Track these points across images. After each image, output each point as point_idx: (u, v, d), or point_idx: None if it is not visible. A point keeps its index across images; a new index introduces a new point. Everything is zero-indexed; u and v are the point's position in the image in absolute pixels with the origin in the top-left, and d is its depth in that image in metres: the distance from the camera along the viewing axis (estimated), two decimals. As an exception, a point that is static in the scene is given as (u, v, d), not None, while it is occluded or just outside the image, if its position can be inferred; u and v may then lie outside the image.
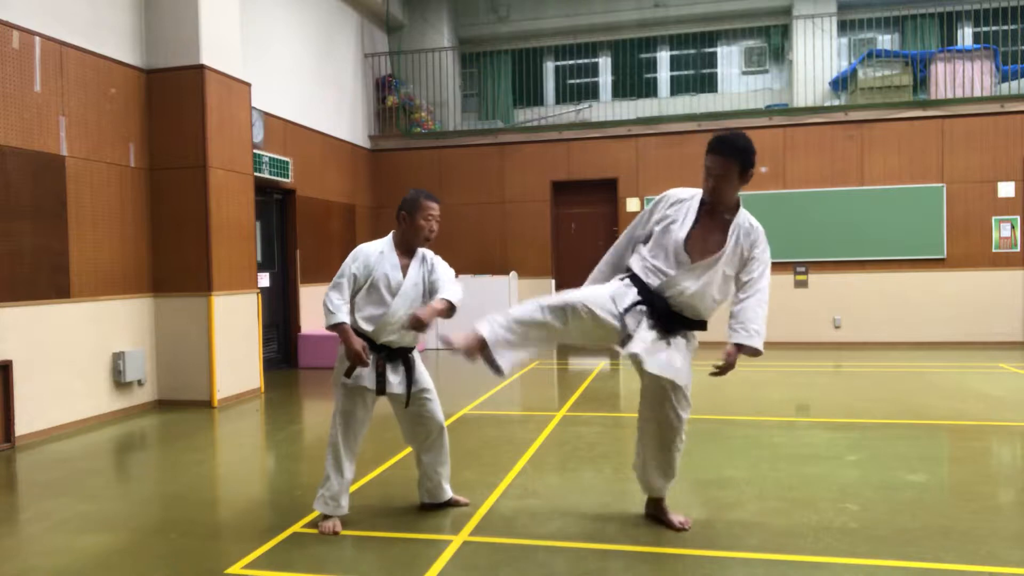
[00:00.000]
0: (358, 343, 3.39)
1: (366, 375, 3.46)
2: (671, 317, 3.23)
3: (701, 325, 3.31)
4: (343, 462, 3.51)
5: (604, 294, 3.25)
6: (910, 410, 5.93)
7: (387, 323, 3.45)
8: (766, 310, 3.23)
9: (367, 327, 3.45)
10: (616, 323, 3.19)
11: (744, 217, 3.27)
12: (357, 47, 11.05)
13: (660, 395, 3.32)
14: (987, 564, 2.95)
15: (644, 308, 3.21)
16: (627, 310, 3.20)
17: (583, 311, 3.17)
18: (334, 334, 3.46)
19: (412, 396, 3.54)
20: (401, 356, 3.53)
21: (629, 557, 3.10)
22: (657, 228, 3.32)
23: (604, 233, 11.02)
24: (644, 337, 3.16)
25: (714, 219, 3.26)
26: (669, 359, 3.19)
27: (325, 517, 3.50)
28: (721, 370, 3.22)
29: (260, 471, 4.88)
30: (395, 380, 3.50)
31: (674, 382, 3.22)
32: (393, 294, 3.46)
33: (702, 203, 3.28)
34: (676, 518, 3.42)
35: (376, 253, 3.50)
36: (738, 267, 3.24)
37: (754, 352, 3.21)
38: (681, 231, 3.23)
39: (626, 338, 3.19)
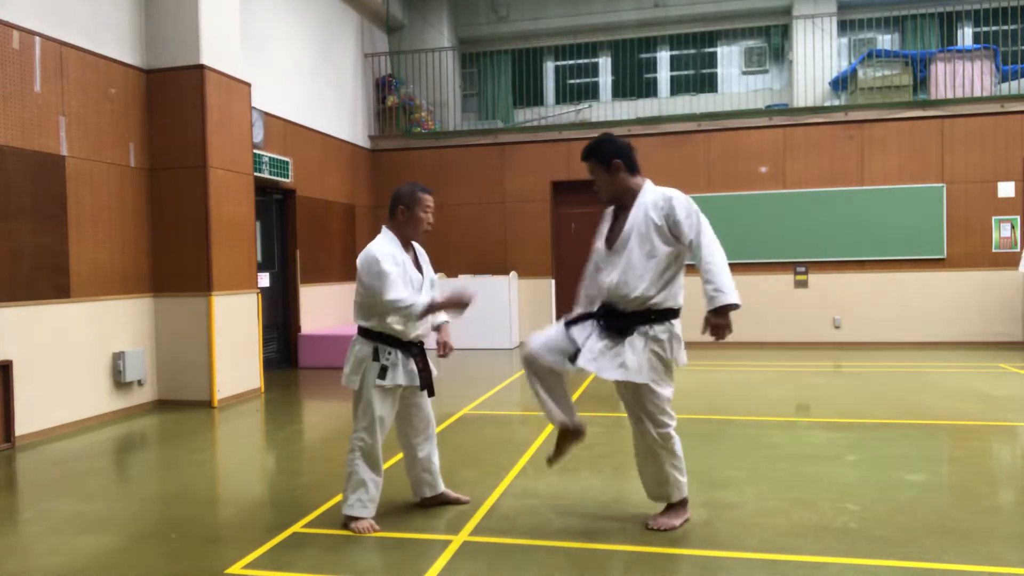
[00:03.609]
0: (462, 291, 3.43)
1: (401, 374, 3.48)
2: (617, 318, 3.34)
3: (650, 316, 3.31)
4: (380, 465, 3.55)
5: (551, 332, 3.49)
6: (910, 410, 5.93)
7: (422, 320, 3.55)
8: (718, 264, 3.25)
9: (399, 327, 3.47)
10: (567, 344, 3.41)
11: (649, 194, 3.40)
12: (357, 47, 11.05)
13: (631, 402, 3.39)
14: (987, 564, 2.95)
15: (592, 321, 3.42)
16: (571, 323, 3.43)
17: (538, 359, 3.42)
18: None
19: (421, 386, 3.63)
20: (419, 348, 3.62)
21: (629, 557, 3.10)
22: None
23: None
24: (591, 348, 3.34)
25: (623, 212, 3.45)
26: (623, 361, 3.27)
27: (356, 518, 3.49)
28: (714, 335, 3.29)
29: (260, 471, 4.88)
30: (416, 371, 3.60)
31: (637, 383, 3.28)
32: (417, 290, 3.54)
33: (615, 207, 3.53)
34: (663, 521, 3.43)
35: (398, 253, 3.50)
36: (666, 239, 3.30)
37: (727, 308, 3.24)
38: (600, 239, 3.51)
39: (575, 353, 3.36)
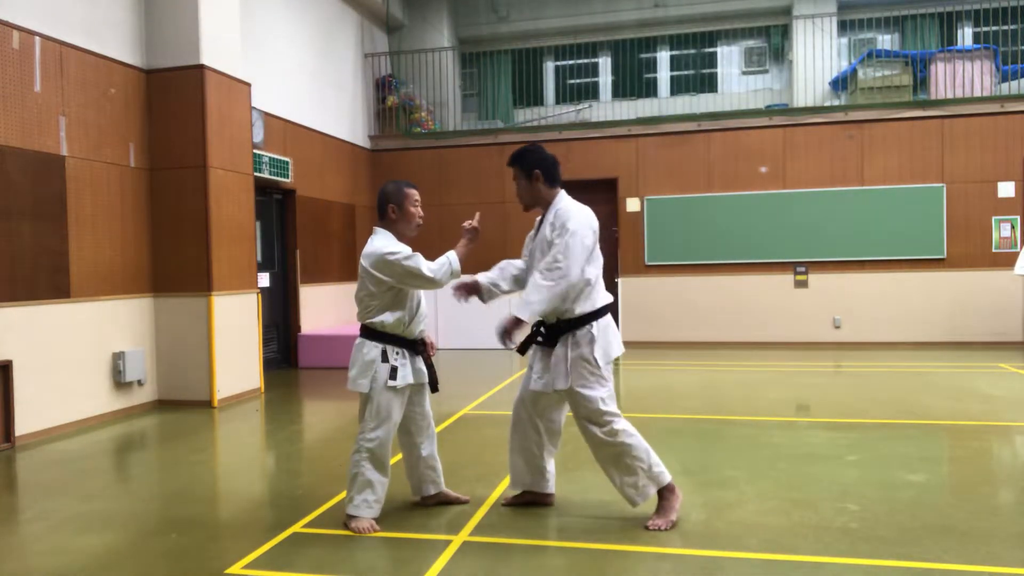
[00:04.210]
0: (467, 224, 3.61)
1: (410, 373, 3.53)
2: (548, 330, 3.47)
3: (570, 324, 3.41)
4: (388, 466, 3.57)
5: (524, 381, 3.66)
6: (910, 410, 5.93)
7: (423, 316, 3.61)
8: (536, 284, 3.32)
9: (406, 320, 3.51)
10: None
11: (554, 207, 3.51)
12: (357, 47, 11.05)
13: (572, 409, 3.48)
14: (987, 564, 2.95)
15: (534, 339, 3.53)
16: (523, 348, 3.54)
17: (520, 404, 3.64)
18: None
19: (424, 384, 3.66)
20: (423, 345, 3.66)
21: (629, 557, 3.11)
22: None
23: (604, 233, 10.95)
24: (536, 368, 3.53)
25: (541, 222, 3.57)
26: (553, 372, 3.42)
27: (357, 517, 3.49)
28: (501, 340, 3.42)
29: (260, 471, 4.88)
30: (424, 369, 3.64)
31: (569, 390, 3.38)
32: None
33: (539, 219, 3.61)
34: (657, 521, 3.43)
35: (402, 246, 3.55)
36: None
37: (514, 318, 3.34)
38: (526, 249, 3.66)
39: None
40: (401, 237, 3.59)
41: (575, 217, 3.40)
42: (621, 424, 3.40)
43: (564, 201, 3.52)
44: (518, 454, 3.69)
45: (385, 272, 3.43)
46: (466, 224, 3.61)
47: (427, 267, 3.43)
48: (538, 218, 3.64)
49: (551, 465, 3.75)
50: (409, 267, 3.40)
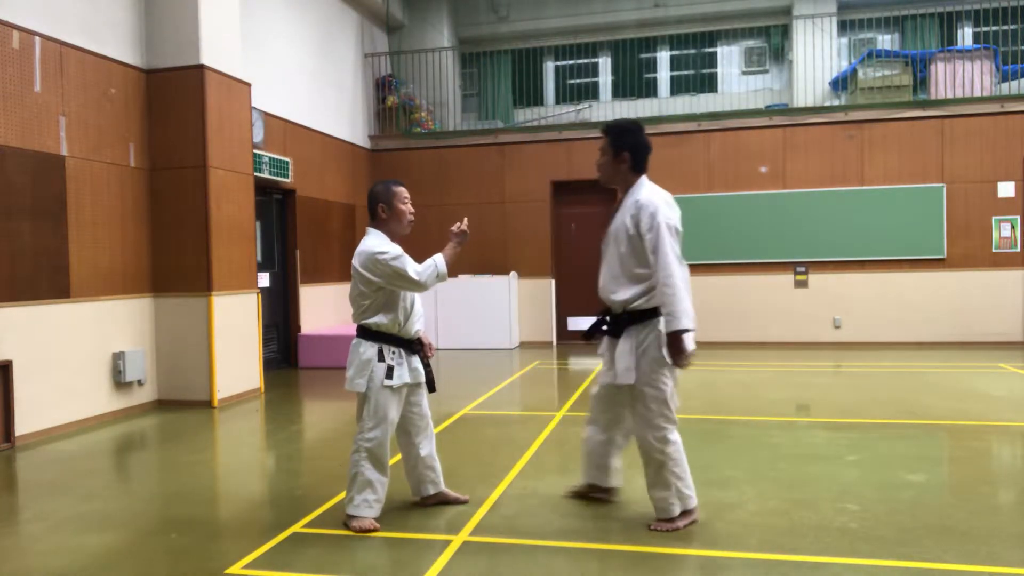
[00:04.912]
0: (455, 227, 3.61)
1: (406, 372, 3.54)
2: (614, 321, 3.41)
3: (640, 316, 3.32)
4: (387, 465, 3.57)
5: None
6: (910, 410, 5.93)
7: (418, 315, 3.63)
8: (673, 286, 3.17)
9: (401, 319, 3.52)
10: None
11: (633, 195, 3.39)
12: (357, 47, 11.05)
13: (628, 405, 3.46)
14: (987, 564, 2.95)
15: (600, 328, 3.49)
16: (590, 337, 3.54)
17: (594, 398, 3.64)
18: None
19: (422, 384, 3.67)
20: (420, 344, 3.67)
21: (629, 557, 3.10)
22: None
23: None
24: (605, 361, 3.48)
25: (618, 208, 3.46)
26: (617, 365, 3.35)
27: (358, 517, 3.50)
28: (672, 361, 3.25)
29: (260, 471, 4.88)
30: (421, 368, 3.66)
31: (631, 386, 3.34)
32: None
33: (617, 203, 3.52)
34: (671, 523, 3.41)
35: (393, 246, 3.54)
36: (638, 247, 3.31)
37: (679, 332, 3.16)
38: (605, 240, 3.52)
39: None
40: (394, 236, 3.59)
41: (661, 207, 3.27)
42: (674, 436, 3.36)
43: (645, 190, 3.38)
44: (585, 447, 3.71)
45: (374, 272, 3.43)
46: (454, 227, 3.61)
47: (413, 269, 3.43)
48: (616, 203, 3.53)
49: (616, 461, 3.73)
50: (396, 267, 3.40)
